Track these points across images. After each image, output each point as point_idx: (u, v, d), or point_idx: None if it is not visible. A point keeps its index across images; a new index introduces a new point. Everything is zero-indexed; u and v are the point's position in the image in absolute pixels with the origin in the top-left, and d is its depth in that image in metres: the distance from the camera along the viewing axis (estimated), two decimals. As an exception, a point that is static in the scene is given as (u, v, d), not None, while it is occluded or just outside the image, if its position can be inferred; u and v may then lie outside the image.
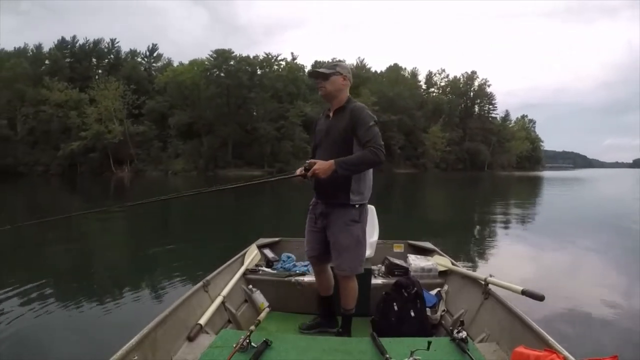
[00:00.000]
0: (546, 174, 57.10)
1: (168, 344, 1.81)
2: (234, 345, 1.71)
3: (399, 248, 3.62)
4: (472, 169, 64.50)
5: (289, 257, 3.42)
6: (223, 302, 2.42)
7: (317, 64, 66.83)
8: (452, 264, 3.09)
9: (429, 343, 1.71)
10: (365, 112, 2.12)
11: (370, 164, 2.08)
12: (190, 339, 1.94)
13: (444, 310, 2.66)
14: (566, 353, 1.53)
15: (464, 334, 1.83)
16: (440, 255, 3.35)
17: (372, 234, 3.17)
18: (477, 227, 10.15)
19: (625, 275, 5.40)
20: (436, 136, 61.10)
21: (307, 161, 2.07)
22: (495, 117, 77.19)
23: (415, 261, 3.15)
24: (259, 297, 2.77)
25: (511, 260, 6.30)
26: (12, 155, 49.04)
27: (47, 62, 58.98)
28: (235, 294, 2.67)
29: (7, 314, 3.58)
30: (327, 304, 2.53)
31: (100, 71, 60.93)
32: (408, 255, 3.38)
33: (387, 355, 1.65)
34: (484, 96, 74.39)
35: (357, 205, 2.18)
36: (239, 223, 9.91)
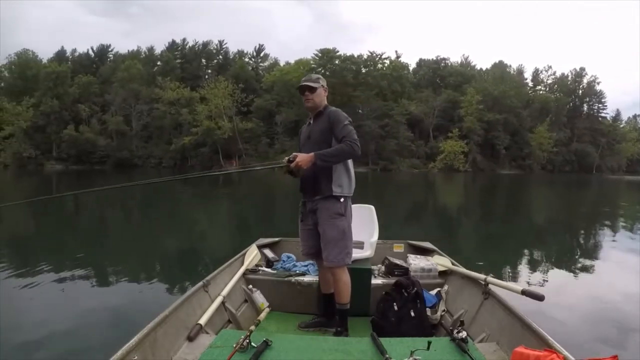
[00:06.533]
0: (659, 179, 51.32)
1: (168, 344, 1.81)
2: (234, 345, 1.71)
3: (399, 248, 3.62)
4: (579, 171, 60.46)
5: (289, 257, 3.42)
6: (223, 302, 2.42)
7: (421, 62, 67.28)
8: (452, 264, 3.09)
9: (429, 343, 1.72)
10: (341, 114, 2.37)
11: (346, 155, 2.28)
12: (190, 339, 1.94)
13: (444, 310, 2.66)
14: (566, 353, 1.53)
15: (464, 334, 1.83)
16: (440, 255, 3.34)
17: (372, 234, 3.17)
18: (577, 233, 9.43)
19: (628, 276, 5.40)
20: (542, 136, 57.28)
21: (292, 154, 2.24)
22: (605, 117, 70.61)
23: (415, 261, 3.15)
24: (259, 297, 2.78)
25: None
26: (128, 148, 53.48)
27: (159, 63, 62.57)
28: (235, 294, 2.68)
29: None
30: (327, 302, 2.56)
31: (209, 71, 63.90)
32: (408, 255, 3.38)
33: (387, 355, 1.65)
34: (593, 94, 68.18)
35: (341, 199, 2.34)
36: (238, 223, 9.91)
